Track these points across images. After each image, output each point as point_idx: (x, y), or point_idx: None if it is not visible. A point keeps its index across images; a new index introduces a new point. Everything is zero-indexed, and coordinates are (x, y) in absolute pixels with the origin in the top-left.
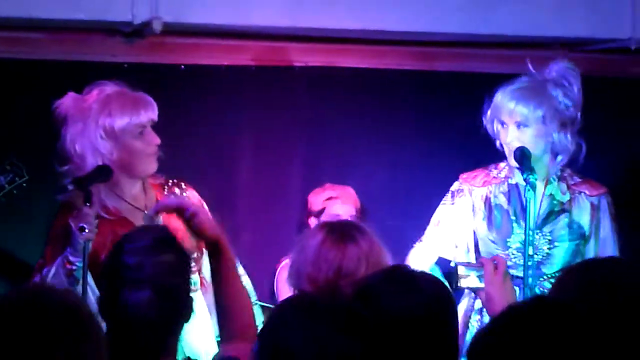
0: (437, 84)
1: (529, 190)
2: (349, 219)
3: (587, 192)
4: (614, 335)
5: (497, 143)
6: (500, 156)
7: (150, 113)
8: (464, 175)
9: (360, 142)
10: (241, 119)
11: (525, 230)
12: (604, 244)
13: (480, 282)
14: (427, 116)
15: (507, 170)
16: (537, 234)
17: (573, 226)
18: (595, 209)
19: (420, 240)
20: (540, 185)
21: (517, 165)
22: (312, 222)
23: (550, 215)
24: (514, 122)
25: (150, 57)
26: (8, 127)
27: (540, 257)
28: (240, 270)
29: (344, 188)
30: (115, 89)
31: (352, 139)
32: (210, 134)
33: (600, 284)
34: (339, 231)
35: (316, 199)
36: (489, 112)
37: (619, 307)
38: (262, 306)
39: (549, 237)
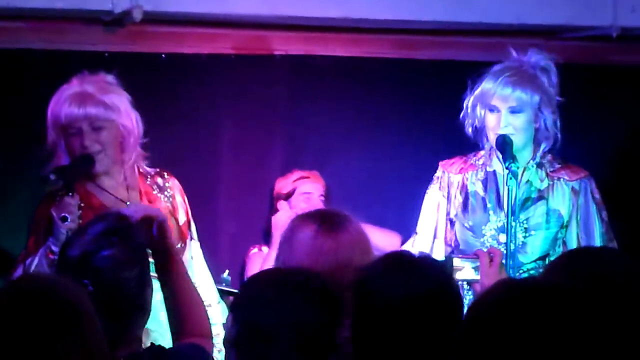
0: (417, 72)
1: (510, 178)
2: (319, 198)
3: (566, 178)
4: (598, 324)
5: (469, 130)
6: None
7: (87, 111)
8: (442, 162)
9: (340, 131)
10: (222, 108)
11: (507, 220)
12: (586, 227)
13: (476, 274)
14: (407, 104)
15: (485, 158)
16: (512, 221)
17: (550, 214)
18: (575, 193)
19: (416, 233)
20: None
21: (499, 153)
22: (282, 205)
23: (527, 202)
24: (507, 107)
25: (130, 46)
26: None
27: (516, 245)
28: None
29: (311, 172)
30: (75, 84)
31: (333, 128)
32: (190, 123)
33: (586, 272)
34: (329, 221)
35: (285, 182)
36: (471, 98)
37: (604, 297)
38: (224, 290)
39: (525, 225)
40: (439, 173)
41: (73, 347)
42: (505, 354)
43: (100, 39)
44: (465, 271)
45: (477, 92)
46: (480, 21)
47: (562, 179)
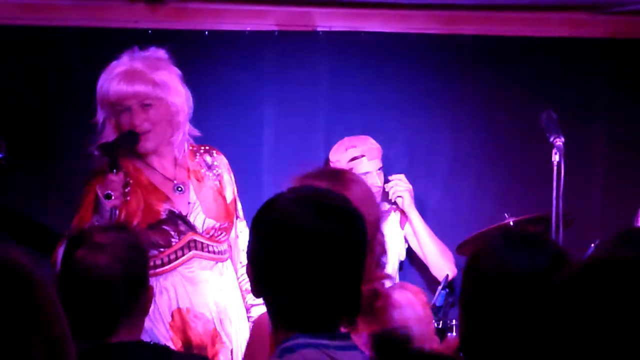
0: (461, 48)
1: (555, 153)
2: (377, 174)
3: None
4: None
5: None
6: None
7: (136, 89)
8: None
9: (383, 107)
10: (264, 84)
11: (555, 194)
12: None
13: None
14: (451, 80)
15: None
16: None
17: None
18: None
19: None
20: None
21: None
22: None
23: None
24: None
25: (173, 23)
26: (29, 93)
27: None
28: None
29: (363, 141)
30: (125, 61)
31: (375, 104)
32: (233, 99)
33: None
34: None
35: (340, 159)
36: None
37: None
38: None
39: None
40: None
41: (25, 318)
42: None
43: (143, 16)
44: None
45: None
46: None
47: None
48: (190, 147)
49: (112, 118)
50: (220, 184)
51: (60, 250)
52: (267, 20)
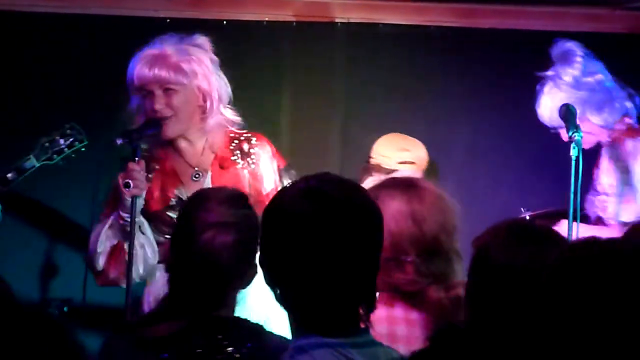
0: (479, 41)
1: (574, 147)
2: None
3: None
4: None
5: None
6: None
7: (156, 73)
8: None
9: (399, 98)
10: (282, 74)
11: (573, 188)
12: None
13: None
14: (468, 72)
15: None
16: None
17: None
18: None
19: None
20: None
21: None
22: (367, 180)
23: None
24: None
25: (192, 12)
26: (44, 80)
27: None
28: None
29: (418, 148)
30: (156, 45)
31: (392, 96)
32: (250, 89)
33: None
34: (413, 186)
35: (389, 156)
36: None
37: None
38: None
39: None
40: None
41: None
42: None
43: (162, 5)
44: None
45: None
46: None
47: None
48: (231, 134)
49: (138, 103)
50: (253, 173)
51: (91, 239)
52: (286, 11)
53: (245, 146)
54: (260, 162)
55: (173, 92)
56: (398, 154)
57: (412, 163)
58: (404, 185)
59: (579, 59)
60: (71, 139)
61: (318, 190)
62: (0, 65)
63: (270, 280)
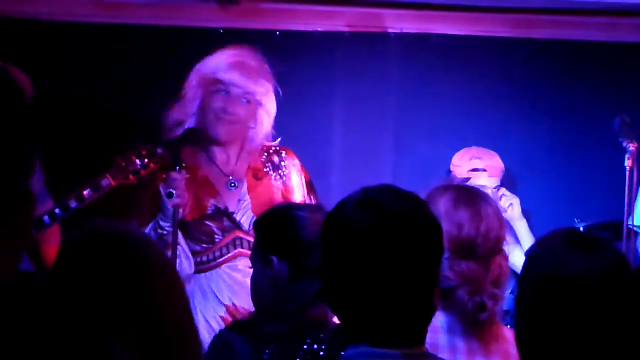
0: (534, 52)
1: (628, 158)
2: (493, 192)
3: None
4: None
5: None
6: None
7: (246, 81)
8: None
9: (452, 110)
10: (334, 85)
11: (626, 201)
12: None
13: None
14: (522, 84)
15: None
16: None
17: None
18: None
19: None
20: None
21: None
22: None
23: None
24: None
25: (245, 23)
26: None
27: None
28: None
29: (490, 156)
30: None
31: (445, 107)
32: (303, 100)
33: None
34: (466, 192)
35: (462, 166)
36: None
37: None
38: None
39: None
40: None
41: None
42: None
43: (215, 16)
44: None
45: None
46: (599, 0)
47: None
48: (264, 146)
49: (201, 99)
50: (286, 185)
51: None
52: (338, 21)
53: (276, 159)
54: (290, 174)
55: (248, 103)
56: (470, 163)
57: (484, 171)
58: (457, 189)
59: None
60: (146, 160)
61: (376, 202)
62: (65, 78)
63: (326, 289)
